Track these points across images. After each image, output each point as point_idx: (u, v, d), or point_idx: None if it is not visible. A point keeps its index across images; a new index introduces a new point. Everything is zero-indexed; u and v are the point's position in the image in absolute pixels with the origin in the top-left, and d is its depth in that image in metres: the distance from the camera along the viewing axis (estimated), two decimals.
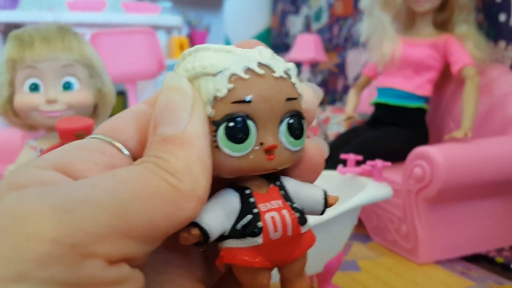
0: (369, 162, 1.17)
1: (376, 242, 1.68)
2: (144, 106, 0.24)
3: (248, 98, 0.21)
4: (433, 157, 1.39)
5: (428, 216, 1.47)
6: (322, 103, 2.98)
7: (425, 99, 1.81)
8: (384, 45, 1.80)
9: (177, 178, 0.19)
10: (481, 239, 1.57)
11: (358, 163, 1.25)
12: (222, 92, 0.21)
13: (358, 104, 2.06)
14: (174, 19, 2.35)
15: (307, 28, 3.18)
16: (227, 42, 3.47)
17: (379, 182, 1.14)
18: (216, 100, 0.21)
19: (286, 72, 0.22)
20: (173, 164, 0.19)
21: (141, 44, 1.89)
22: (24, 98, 0.95)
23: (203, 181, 0.20)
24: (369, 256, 1.57)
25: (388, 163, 1.17)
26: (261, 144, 0.22)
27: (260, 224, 0.22)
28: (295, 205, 0.23)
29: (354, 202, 1.05)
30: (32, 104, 0.95)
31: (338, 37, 2.88)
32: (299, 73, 3.05)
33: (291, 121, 0.22)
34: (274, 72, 0.22)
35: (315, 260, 1.10)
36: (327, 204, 0.25)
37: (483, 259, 1.56)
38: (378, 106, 1.89)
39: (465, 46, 1.73)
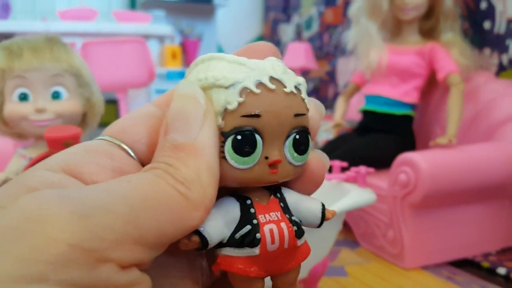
0: (353, 169, 1.19)
1: (364, 247, 1.70)
2: (154, 108, 0.24)
3: (257, 112, 0.21)
4: (417, 164, 1.41)
5: (414, 222, 1.50)
6: None
7: (412, 106, 1.84)
8: (371, 53, 1.83)
9: (187, 187, 0.20)
10: (467, 244, 1.59)
11: (344, 169, 1.27)
12: (233, 105, 0.21)
13: (347, 112, 2.09)
14: (166, 28, 2.37)
15: (298, 36, 3.21)
16: (220, 50, 3.49)
17: (363, 188, 1.16)
18: (226, 112, 0.21)
19: (296, 87, 0.23)
20: (183, 173, 0.20)
21: (131, 53, 1.91)
22: (13, 108, 0.97)
23: (211, 191, 0.20)
24: (356, 261, 1.59)
25: (372, 169, 1.19)
26: (266, 158, 0.22)
27: (258, 235, 0.22)
28: (293, 218, 0.23)
29: (338, 207, 1.06)
30: (21, 113, 0.97)
31: (329, 45, 2.91)
32: None
33: (298, 136, 0.23)
34: (285, 87, 0.22)
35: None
36: (324, 218, 0.25)
37: (469, 264, 1.58)
38: (366, 113, 1.92)
39: (451, 53, 1.76)
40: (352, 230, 1.76)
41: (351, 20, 2.01)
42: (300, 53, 2.74)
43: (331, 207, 1.11)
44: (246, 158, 0.21)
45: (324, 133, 2.18)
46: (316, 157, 0.25)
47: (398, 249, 1.52)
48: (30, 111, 0.97)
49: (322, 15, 2.94)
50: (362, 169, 1.17)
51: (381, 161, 1.68)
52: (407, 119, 1.84)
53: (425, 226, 1.52)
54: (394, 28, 1.93)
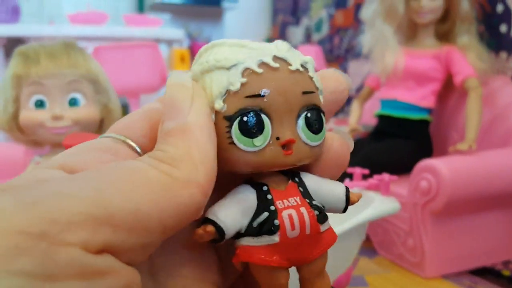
0: (376, 176, 1.16)
1: (382, 256, 1.66)
2: (157, 104, 0.24)
3: (261, 92, 0.21)
4: (439, 170, 1.38)
5: (434, 230, 1.46)
6: None
7: (429, 110, 1.81)
8: (387, 57, 1.80)
9: (174, 166, 0.19)
10: (487, 252, 1.56)
11: (365, 176, 1.24)
12: (235, 86, 0.21)
13: (362, 116, 2.06)
14: (176, 32, 2.35)
15: (307, 39, 3.19)
16: None
17: (386, 197, 1.13)
18: (229, 94, 0.21)
19: (303, 65, 0.22)
20: (171, 154, 0.19)
21: (143, 58, 1.89)
22: (29, 115, 0.94)
23: (205, 168, 0.20)
24: (376, 270, 1.55)
25: (395, 177, 1.16)
26: (277, 138, 0.21)
27: (276, 222, 0.21)
28: (314, 202, 0.22)
29: (362, 217, 1.04)
30: (38, 120, 0.94)
31: (339, 48, 2.88)
32: None
33: (309, 115, 0.22)
34: (290, 65, 0.21)
35: None
36: (349, 201, 0.24)
37: (490, 272, 1.55)
38: (382, 118, 1.89)
39: (467, 57, 1.73)
40: (369, 238, 1.72)
41: (364, 23, 1.98)
42: (310, 56, 2.70)
43: (354, 217, 1.07)
44: (254, 139, 0.21)
45: None
46: (339, 138, 0.24)
47: (418, 257, 1.49)
48: (47, 118, 0.94)
49: (332, 17, 2.91)
50: (386, 176, 1.14)
51: (398, 166, 1.65)
52: (424, 123, 1.81)
53: (445, 234, 1.48)
54: (410, 32, 1.90)
